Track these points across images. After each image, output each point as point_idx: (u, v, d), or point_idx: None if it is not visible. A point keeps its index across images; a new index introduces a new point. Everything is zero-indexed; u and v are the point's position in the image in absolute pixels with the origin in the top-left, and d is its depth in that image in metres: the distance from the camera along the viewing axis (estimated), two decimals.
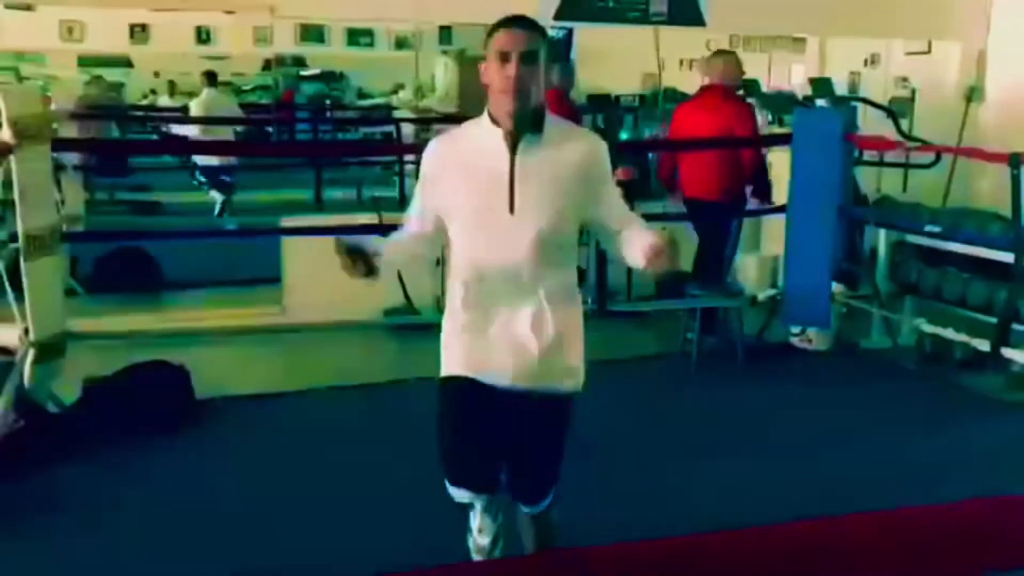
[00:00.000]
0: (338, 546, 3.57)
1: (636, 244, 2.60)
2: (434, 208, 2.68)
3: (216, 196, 10.65)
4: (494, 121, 2.57)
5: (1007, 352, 5.38)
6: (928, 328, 5.86)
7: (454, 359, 2.74)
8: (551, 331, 2.64)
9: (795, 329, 6.24)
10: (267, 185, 11.37)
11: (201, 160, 10.50)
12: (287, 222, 6.65)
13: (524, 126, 2.54)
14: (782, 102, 8.53)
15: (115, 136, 11.83)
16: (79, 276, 7.14)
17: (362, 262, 2.54)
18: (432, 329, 6.33)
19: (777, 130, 7.68)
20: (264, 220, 8.22)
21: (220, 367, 5.55)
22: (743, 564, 1.90)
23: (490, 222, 2.56)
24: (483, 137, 2.59)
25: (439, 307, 6.71)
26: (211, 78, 10.84)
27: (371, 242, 2.66)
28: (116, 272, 7.23)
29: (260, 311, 6.53)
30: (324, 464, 4.32)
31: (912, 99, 8.81)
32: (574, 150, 2.61)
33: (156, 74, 19.49)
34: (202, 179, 10.41)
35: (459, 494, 2.81)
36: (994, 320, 5.56)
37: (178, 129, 11.94)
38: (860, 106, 7.96)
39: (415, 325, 6.48)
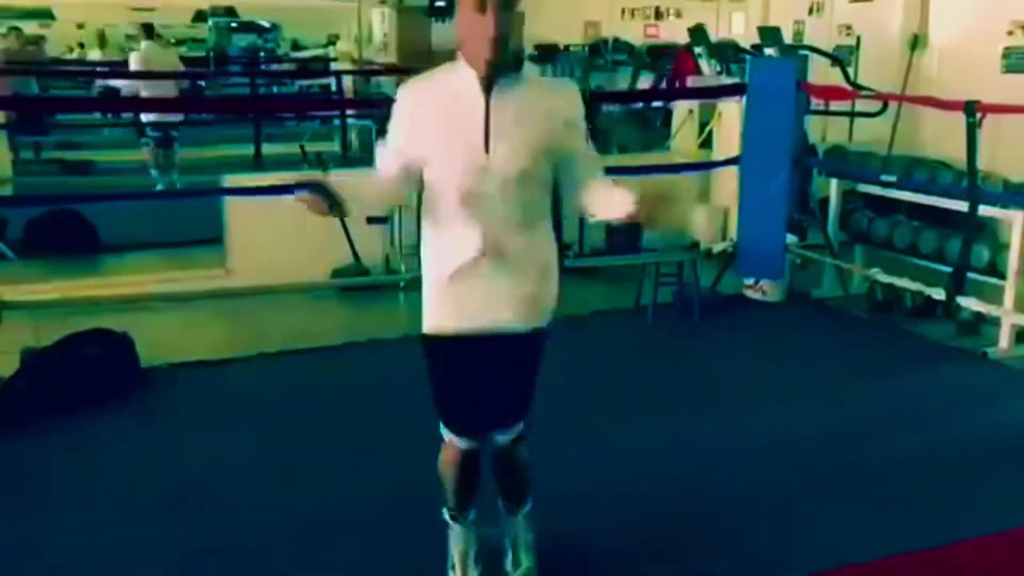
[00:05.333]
0: (294, 516, 3.47)
1: (614, 198, 2.58)
2: (408, 151, 2.63)
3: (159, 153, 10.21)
4: (470, 65, 2.53)
5: (958, 300, 5.45)
6: (880, 277, 5.89)
7: (434, 310, 2.73)
8: (527, 270, 2.66)
9: (748, 280, 6.24)
10: (203, 141, 11.00)
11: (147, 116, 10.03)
12: (230, 181, 6.41)
13: (501, 70, 2.52)
14: (729, 51, 8.44)
15: (34, 92, 11.33)
16: (9, 240, 6.84)
17: (326, 197, 2.46)
18: (382, 289, 6.39)
19: (725, 80, 7.62)
20: (204, 179, 7.95)
21: (165, 334, 5.37)
22: None
23: (465, 163, 2.54)
24: (458, 80, 2.55)
25: (388, 267, 6.62)
26: (148, 31, 10.40)
27: (335, 179, 2.58)
28: (49, 235, 6.93)
29: (203, 274, 6.32)
30: (278, 431, 4.20)
31: (856, 47, 8.80)
32: (549, 94, 2.63)
33: (80, 26, 18.75)
34: (152, 134, 9.87)
35: (455, 439, 2.84)
36: (944, 268, 5.63)
37: (116, 83, 11.41)
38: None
39: (365, 286, 6.36)
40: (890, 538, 3.34)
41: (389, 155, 2.66)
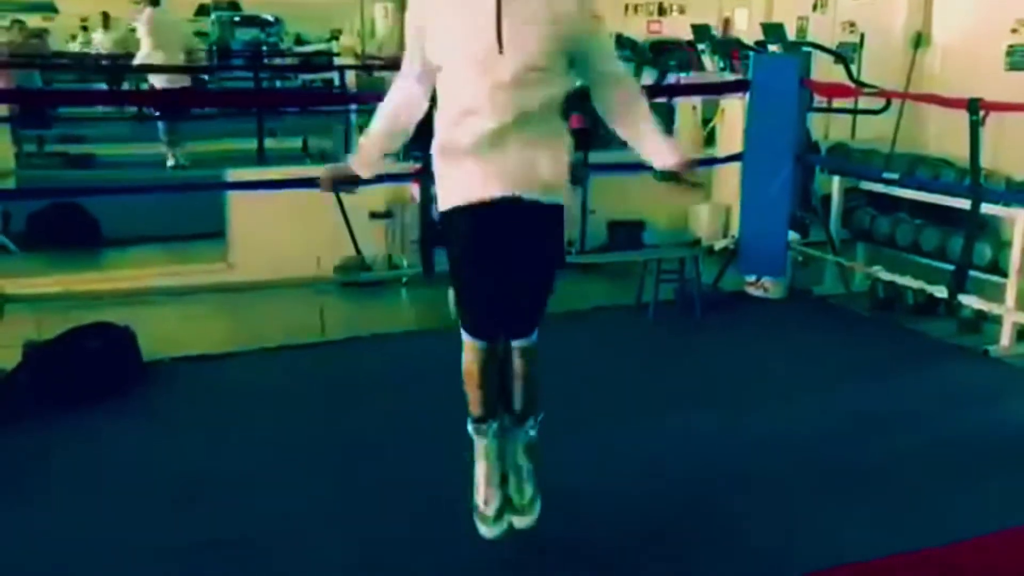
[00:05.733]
0: (297, 511, 3.47)
1: (660, 142, 2.88)
2: (426, 53, 2.77)
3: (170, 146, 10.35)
4: None
5: (960, 298, 5.44)
6: (883, 275, 5.89)
7: (450, 192, 2.86)
8: (538, 155, 2.79)
9: (750, 277, 6.24)
10: (206, 135, 11.01)
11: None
12: (234, 176, 6.40)
13: None
14: (732, 48, 8.44)
15: (38, 85, 11.34)
16: (11, 233, 6.84)
17: (340, 180, 2.85)
18: (385, 284, 6.39)
19: (728, 77, 7.61)
20: (206, 173, 7.95)
21: (167, 327, 5.37)
22: None
23: (479, 58, 2.65)
24: None
25: (390, 262, 6.62)
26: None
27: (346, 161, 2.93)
28: (51, 228, 6.94)
29: (205, 268, 6.33)
30: (280, 426, 4.20)
31: (860, 44, 8.79)
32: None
33: (83, 20, 18.76)
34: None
35: (474, 341, 2.94)
36: (945, 266, 5.62)
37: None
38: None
39: (367, 282, 6.35)
40: (890, 537, 3.34)
41: (408, 63, 2.83)
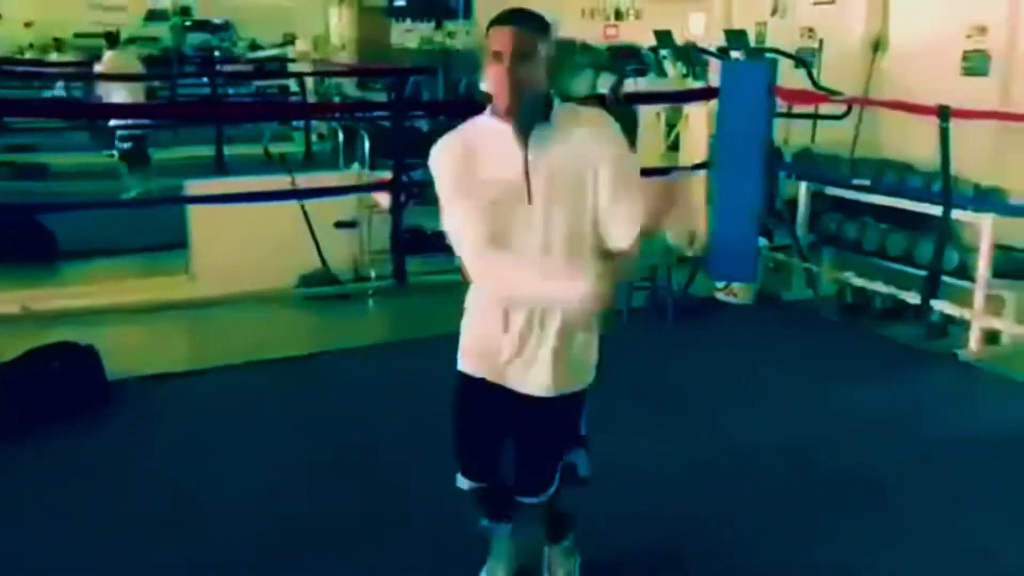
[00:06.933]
0: (266, 530, 3.39)
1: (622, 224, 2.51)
2: (474, 200, 2.44)
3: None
4: (499, 117, 2.44)
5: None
6: (855, 280, 5.92)
7: (471, 357, 2.68)
8: (569, 336, 2.58)
9: (719, 283, 6.25)
10: (162, 143, 10.79)
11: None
12: (194, 188, 6.27)
13: (531, 118, 2.42)
14: (694, 55, 8.45)
15: None
16: None
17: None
18: (351, 298, 6.28)
19: (691, 83, 7.63)
20: (165, 183, 7.77)
21: (131, 345, 5.23)
22: None
23: (508, 218, 2.43)
24: (492, 133, 2.46)
25: (357, 273, 6.51)
26: (111, 40, 10.24)
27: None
28: (5, 242, 6.72)
29: (167, 281, 6.19)
30: (252, 445, 4.11)
31: (819, 50, 8.86)
32: (585, 133, 2.48)
33: (27, 24, 18.30)
34: (121, 146, 9.58)
35: (466, 483, 2.80)
36: (911, 270, 5.68)
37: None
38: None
39: (334, 294, 6.24)
40: (873, 541, 3.35)
41: (470, 216, 2.44)
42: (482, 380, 2.65)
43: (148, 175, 9.32)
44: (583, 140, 2.46)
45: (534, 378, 2.59)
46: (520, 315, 2.54)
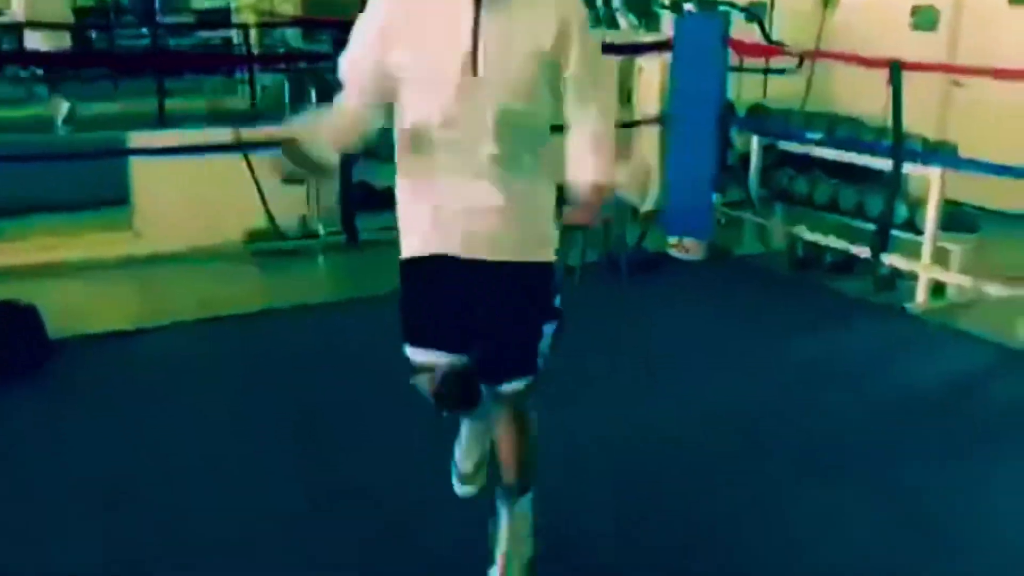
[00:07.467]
0: (211, 493, 3.31)
1: (577, 170, 2.42)
2: (384, 65, 2.30)
3: (61, 103, 9.62)
4: None
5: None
6: (808, 234, 5.94)
7: (411, 240, 2.46)
8: (516, 202, 2.38)
9: (672, 238, 6.24)
10: (101, 96, 10.43)
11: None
12: (137, 140, 6.05)
13: None
14: (645, 5, 8.37)
15: None
16: None
17: (302, 160, 2.21)
18: (300, 253, 6.16)
19: (645, 35, 7.56)
20: (105, 135, 7.50)
21: (73, 303, 5.08)
22: None
23: (450, 85, 2.24)
24: None
25: (305, 229, 6.38)
26: None
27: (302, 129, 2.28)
28: None
29: (110, 237, 6.01)
30: (202, 408, 4.00)
31: (771, 4, 8.83)
32: (546, 5, 2.30)
33: None
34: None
35: (417, 353, 2.51)
36: (861, 224, 5.72)
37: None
38: None
39: (282, 250, 6.11)
40: (815, 487, 3.38)
41: (356, 76, 2.36)
42: (435, 257, 2.41)
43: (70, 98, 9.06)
44: (546, 10, 2.29)
45: (489, 238, 2.38)
46: (462, 165, 2.34)
